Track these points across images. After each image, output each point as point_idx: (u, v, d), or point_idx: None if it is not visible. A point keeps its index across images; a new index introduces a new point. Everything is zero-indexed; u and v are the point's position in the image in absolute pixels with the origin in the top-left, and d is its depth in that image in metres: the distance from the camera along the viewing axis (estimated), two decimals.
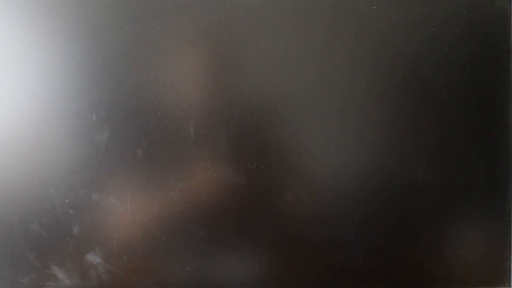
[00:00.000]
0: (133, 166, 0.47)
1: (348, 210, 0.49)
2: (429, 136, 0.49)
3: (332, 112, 0.49)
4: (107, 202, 0.47)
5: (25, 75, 0.47)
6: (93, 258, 0.47)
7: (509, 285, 0.50)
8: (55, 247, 0.47)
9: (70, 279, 0.47)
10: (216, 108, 0.48)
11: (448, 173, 0.49)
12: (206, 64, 0.48)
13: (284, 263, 0.48)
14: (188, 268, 0.48)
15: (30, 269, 0.47)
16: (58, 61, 0.47)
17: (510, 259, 0.50)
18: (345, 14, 0.49)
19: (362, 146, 0.49)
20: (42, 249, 0.47)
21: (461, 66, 0.49)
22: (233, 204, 0.48)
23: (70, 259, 0.47)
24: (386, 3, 0.49)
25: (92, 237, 0.47)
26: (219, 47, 0.48)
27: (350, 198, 0.49)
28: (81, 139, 0.47)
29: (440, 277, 0.50)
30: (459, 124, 0.49)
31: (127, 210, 0.47)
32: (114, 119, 0.47)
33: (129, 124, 0.47)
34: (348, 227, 0.49)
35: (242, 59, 0.48)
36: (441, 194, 0.49)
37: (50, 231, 0.47)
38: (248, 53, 0.48)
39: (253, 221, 0.48)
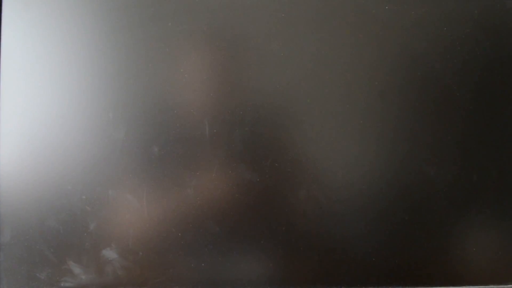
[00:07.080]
0: (149, 163, 0.48)
1: (361, 207, 0.49)
2: (441, 134, 0.49)
3: (345, 111, 0.49)
4: (124, 199, 0.48)
5: (44, 76, 0.48)
6: (109, 253, 0.48)
7: None
8: (71, 242, 0.48)
9: (86, 274, 0.48)
10: (230, 107, 0.48)
11: (460, 170, 0.50)
12: (221, 63, 0.49)
13: (297, 260, 0.49)
14: (203, 264, 0.48)
15: (47, 264, 0.48)
16: (76, 61, 0.48)
17: None
18: (357, 14, 0.49)
19: (375, 144, 0.49)
20: (59, 245, 0.48)
21: (472, 65, 0.50)
22: (247, 201, 0.48)
23: (87, 254, 0.48)
24: (398, 3, 0.49)
25: (109, 233, 0.48)
26: (234, 46, 0.49)
27: (363, 195, 0.49)
28: (98, 136, 0.48)
29: (452, 274, 0.50)
30: (471, 122, 0.50)
31: (143, 206, 0.48)
32: (131, 117, 0.48)
33: (145, 122, 0.48)
34: (361, 224, 0.49)
35: (255, 58, 0.49)
36: (453, 191, 0.50)
37: (67, 227, 0.48)
38: (262, 53, 0.49)
39: (267, 218, 0.48)
